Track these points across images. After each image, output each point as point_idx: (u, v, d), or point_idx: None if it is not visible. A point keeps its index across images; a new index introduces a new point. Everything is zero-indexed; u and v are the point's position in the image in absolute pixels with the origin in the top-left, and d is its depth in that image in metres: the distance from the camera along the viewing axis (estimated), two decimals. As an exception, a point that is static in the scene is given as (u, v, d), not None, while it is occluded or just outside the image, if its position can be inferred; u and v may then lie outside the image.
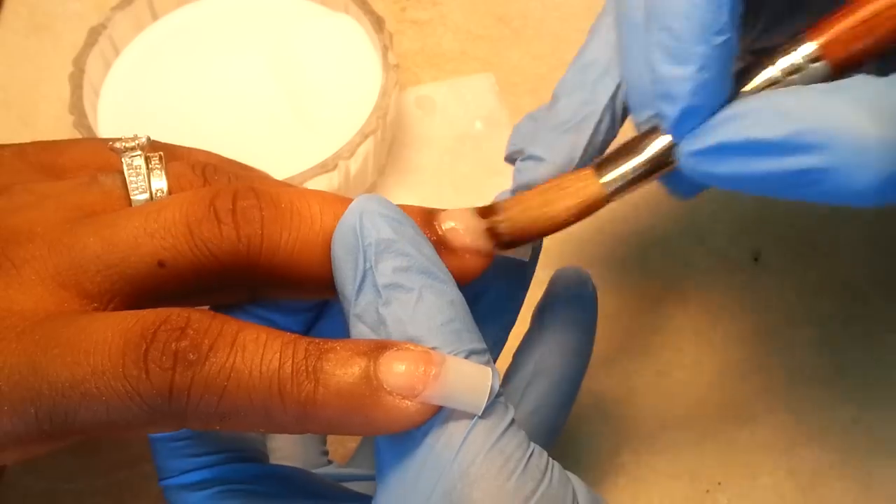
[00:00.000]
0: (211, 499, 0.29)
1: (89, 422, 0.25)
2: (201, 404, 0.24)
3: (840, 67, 0.28)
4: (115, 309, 0.27)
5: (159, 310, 0.25)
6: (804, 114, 0.26)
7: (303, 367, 0.24)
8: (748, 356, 0.42)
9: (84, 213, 0.28)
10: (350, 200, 0.28)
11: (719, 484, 0.38)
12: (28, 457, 0.26)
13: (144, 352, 0.24)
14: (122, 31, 0.45)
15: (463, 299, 0.26)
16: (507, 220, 0.29)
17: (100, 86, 0.45)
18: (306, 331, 0.31)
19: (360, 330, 0.26)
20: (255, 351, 0.24)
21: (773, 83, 0.28)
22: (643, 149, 0.29)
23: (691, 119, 0.28)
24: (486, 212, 0.29)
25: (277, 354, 0.24)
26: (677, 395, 0.40)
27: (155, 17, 0.47)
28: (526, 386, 0.33)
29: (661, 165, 0.29)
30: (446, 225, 0.28)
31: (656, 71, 0.28)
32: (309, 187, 0.40)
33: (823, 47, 0.28)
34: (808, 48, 0.28)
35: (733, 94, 0.28)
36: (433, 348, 0.25)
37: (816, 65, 0.28)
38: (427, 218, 0.28)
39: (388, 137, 0.45)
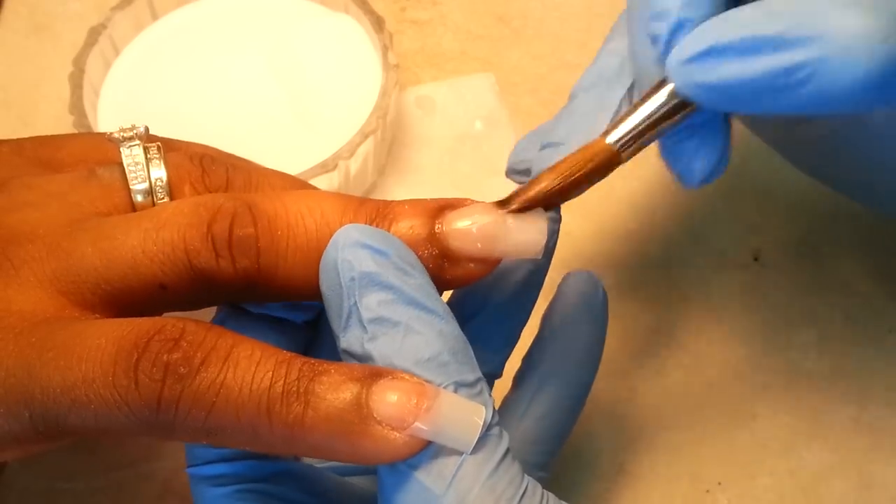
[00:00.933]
0: (227, 498, 0.28)
1: (79, 427, 0.25)
2: (188, 419, 0.24)
3: None
4: (116, 317, 0.27)
5: (156, 319, 0.25)
6: (794, 11, 0.26)
7: (294, 389, 0.24)
8: (748, 356, 0.42)
9: (86, 210, 0.28)
10: (355, 200, 0.28)
11: (719, 484, 0.38)
12: (27, 455, 0.26)
13: (136, 362, 0.24)
14: (123, 30, 0.45)
15: (455, 327, 0.26)
16: (524, 201, 0.28)
17: (100, 86, 0.45)
18: (316, 319, 0.31)
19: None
20: (247, 368, 0.24)
21: None
22: (647, 100, 0.29)
23: (682, 33, 0.28)
24: (503, 204, 0.28)
25: (270, 373, 0.24)
26: (677, 395, 0.40)
27: (155, 17, 0.47)
28: (535, 391, 0.33)
29: (664, 116, 0.29)
30: (453, 226, 0.27)
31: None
32: (312, 192, 0.40)
33: None
34: None
35: (721, 9, 0.28)
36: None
37: None
38: (433, 214, 0.27)
39: (388, 137, 0.45)
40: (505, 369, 0.33)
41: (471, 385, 0.25)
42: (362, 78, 0.44)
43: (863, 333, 0.42)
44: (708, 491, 0.38)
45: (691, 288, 0.43)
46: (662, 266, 0.44)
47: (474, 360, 0.26)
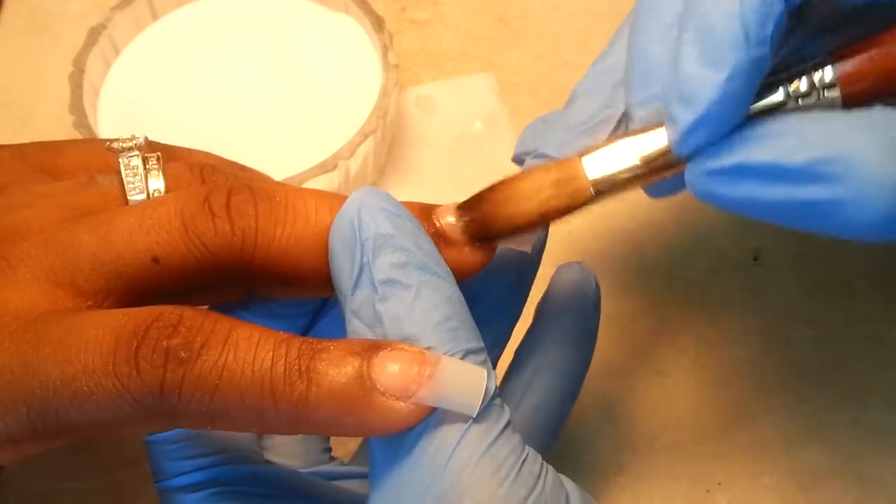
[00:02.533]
0: (205, 500, 0.28)
1: (81, 421, 0.25)
2: (192, 403, 0.24)
3: (854, 98, 0.27)
4: (110, 307, 0.26)
5: (152, 307, 0.25)
6: (826, 141, 0.25)
7: (295, 367, 0.24)
8: (748, 356, 0.42)
9: (80, 213, 0.28)
10: (346, 198, 0.28)
11: (719, 484, 0.38)
12: (23, 456, 0.26)
13: (135, 349, 0.24)
14: (123, 30, 0.45)
15: (461, 296, 0.26)
16: (483, 216, 0.28)
17: (100, 86, 0.45)
18: (303, 335, 0.31)
19: (355, 326, 0.25)
20: (247, 349, 0.24)
21: (783, 104, 0.27)
22: (640, 149, 0.27)
23: (705, 129, 0.26)
24: (465, 206, 0.28)
25: (270, 353, 0.24)
26: (677, 395, 0.40)
27: (155, 17, 0.47)
28: (528, 382, 0.33)
29: (657, 170, 0.27)
30: (444, 220, 0.28)
31: (682, 69, 0.26)
32: (308, 187, 0.40)
33: (843, 76, 0.27)
34: (826, 74, 0.27)
35: (749, 103, 0.27)
36: (429, 347, 0.24)
37: (831, 93, 0.27)
38: (426, 212, 0.28)
39: (388, 137, 0.45)
40: (498, 366, 0.33)
41: (477, 352, 0.25)
42: (362, 78, 0.44)
43: (863, 333, 0.42)
44: (708, 491, 0.38)
45: (691, 288, 0.43)
46: (662, 266, 0.44)
47: (477, 328, 0.26)
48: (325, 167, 0.41)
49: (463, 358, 0.25)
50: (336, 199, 0.27)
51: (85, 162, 0.31)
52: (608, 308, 0.42)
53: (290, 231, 0.27)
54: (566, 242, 0.44)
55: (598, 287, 0.34)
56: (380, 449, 0.25)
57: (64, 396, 0.24)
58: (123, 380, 0.24)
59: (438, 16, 0.52)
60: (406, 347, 0.24)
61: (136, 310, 0.25)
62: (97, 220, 0.27)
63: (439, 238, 0.27)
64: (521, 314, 0.33)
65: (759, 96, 0.27)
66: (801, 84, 0.27)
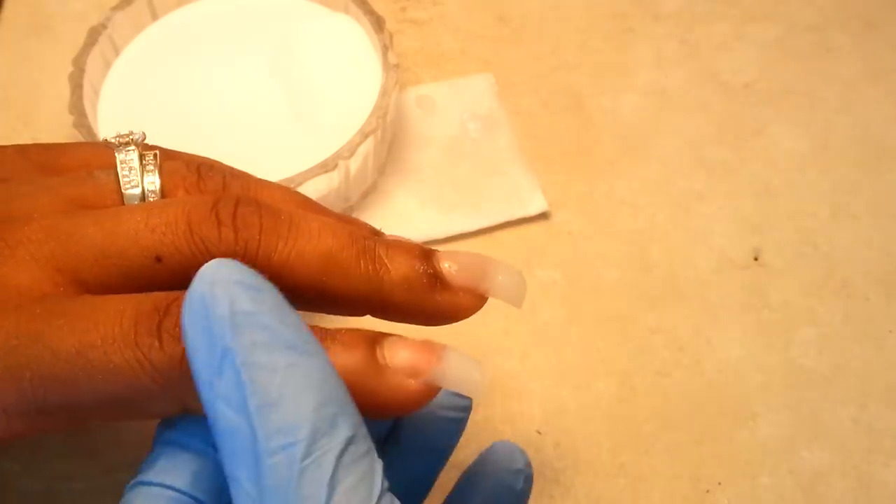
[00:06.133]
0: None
1: (87, 394, 0.24)
2: None
3: None
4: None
5: (166, 293, 0.26)
6: None
7: None
8: (748, 356, 0.42)
9: (77, 205, 0.28)
10: (353, 222, 0.29)
11: (719, 484, 0.38)
12: (7, 434, 0.25)
13: (158, 323, 0.24)
14: (122, 30, 0.45)
15: (336, 375, 0.24)
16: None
17: (100, 85, 0.45)
18: None
19: (227, 417, 0.23)
20: None
21: None
22: None
23: None
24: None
25: None
26: (677, 395, 0.40)
27: (155, 17, 0.47)
28: None
29: None
30: (443, 265, 0.28)
31: None
32: (309, 187, 0.40)
33: None
34: None
35: None
36: (300, 440, 0.22)
37: None
38: (426, 255, 0.28)
39: (388, 137, 0.45)
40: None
41: (362, 440, 0.23)
42: (362, 78, 0.44)
43: (863, 333, 0.42)
44: (708, 491, 0.38)
45: (691, 288, 0.43)
46: (662, 266, 0.44)
47: (357, 412, 0.24)
48: (325, 167, 0.41)
49: (345, 449, 0.22)
50: (340, 226, 0.28)
51: (86, 161, 0.31)
52: (608, 308, 0.43)
53: (291, 246, 0.27)
54: (568, 242, 0.44)
55: (528, 479, 0.31)
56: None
57: (77, 364, 0.24)
58: (145, 350, 0.24)
59: (438, 16, 0.52)
60: (407, 338, 0.25)
61: (151, 294, 0.25)
62: (102, 215, 0.27)
63: (436, 281, 0.28)
64: (445, 464, 0.31)
65: None
66: None
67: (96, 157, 0.31)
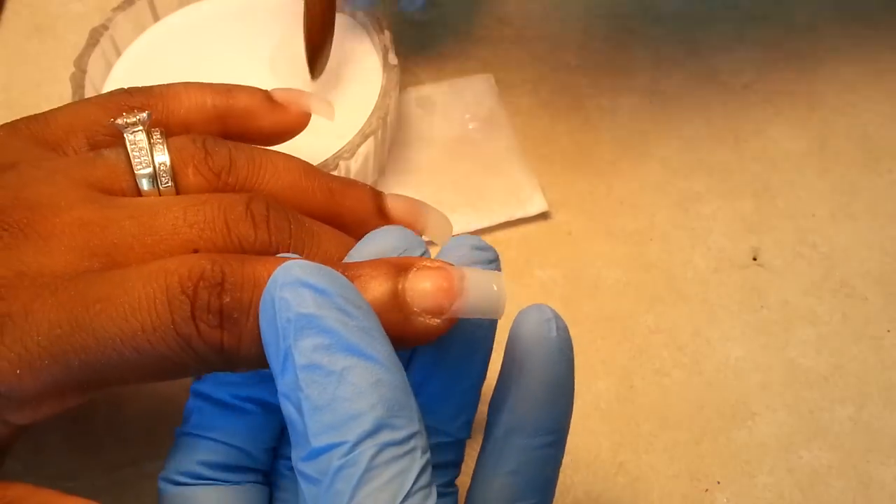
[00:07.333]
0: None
1: (136, 372, 0.26)
2: (251, 355, 0.26)
3: None
4: None
5: (190, 262, 0.26)
6: None
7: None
8: (747, 355, 0.42)
9: (92, 187, 0.29)
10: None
11: (719, 483, 0.39)
12: (61, 410, 0.27)
13: (191, 311, 0.26)
14: (124, 31, 0.46)
15: (393, 376, 0.25)
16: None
17: (101, 86, 0.45)
18: None
19: (289, 411, 0.25)
20: None
21: None
22: None
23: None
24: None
25: None
26: (677, 395, 0.41)
27: (156, 17, 0.47)
28: (501, 445, 0.30)
29: None
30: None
31: None
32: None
33: None
34: None
35: None
36: (345, 441, 0.24)
37: None
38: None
39: (388, 138, 0.45)
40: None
41: (399, 444, 0.24)
42: (363, 78, 0.44)
43: (861, 333, 0.42)
44: (707, 490, 0.38)
45: (690, 288, 0.43)
46: (662, 266, 0.44)
47: (415, 410, 0.25)
48: (325, 167, 0.41)
49: (380, 450, 0.24)
50: (350, 244, 0.30)
51: (73, 125, 0.32)
52: (607, 308, 0.43)
53: (314, 254, 0.29)
54: (568, 243, 0.44)
55: (562, 329, 0.30)
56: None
57: (124, 351, 0.26)
58: (186, 338, 0.26)
59: (438, 16, 0.52)
60: (429, 264, 0.26)
61: (173, 264, 0.26)
62: (139, 208, 0.29)
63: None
64: (485, 376, 0.30)
65: None
66: None
67: (80, 118, 0.33)
